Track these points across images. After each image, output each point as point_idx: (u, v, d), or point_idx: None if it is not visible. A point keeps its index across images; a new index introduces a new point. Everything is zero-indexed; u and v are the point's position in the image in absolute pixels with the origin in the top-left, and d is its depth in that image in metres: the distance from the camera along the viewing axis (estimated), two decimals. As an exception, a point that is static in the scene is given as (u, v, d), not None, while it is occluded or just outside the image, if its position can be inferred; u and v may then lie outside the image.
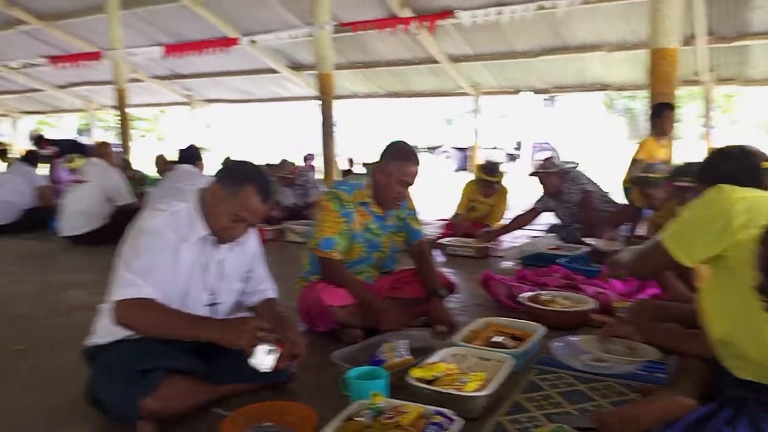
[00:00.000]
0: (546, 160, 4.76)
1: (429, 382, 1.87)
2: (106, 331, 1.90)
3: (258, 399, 1.92)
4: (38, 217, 6.08)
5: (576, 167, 4.73)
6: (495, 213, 5.16)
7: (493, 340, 2.29)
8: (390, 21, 7.45)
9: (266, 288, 2.17)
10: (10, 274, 4.14)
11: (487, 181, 5.06)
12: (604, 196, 4.62)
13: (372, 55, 10.47)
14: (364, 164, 6.74)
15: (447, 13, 7.63)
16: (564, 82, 10.48)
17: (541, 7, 7.06)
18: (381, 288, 2.70)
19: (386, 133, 15.49)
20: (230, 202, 1.87)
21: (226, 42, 8.01)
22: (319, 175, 7.66)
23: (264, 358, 1.70)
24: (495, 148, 16.07)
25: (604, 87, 10.33)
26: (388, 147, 2.62)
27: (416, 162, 2.59)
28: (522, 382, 2.08)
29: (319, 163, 9.87)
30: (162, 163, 6.84)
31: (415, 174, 2.59)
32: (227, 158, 7.52)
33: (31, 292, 3.67)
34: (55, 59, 9.67)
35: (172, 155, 7.74)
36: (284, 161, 6.42)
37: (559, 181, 4.54)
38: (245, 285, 2.14)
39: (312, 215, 6.14)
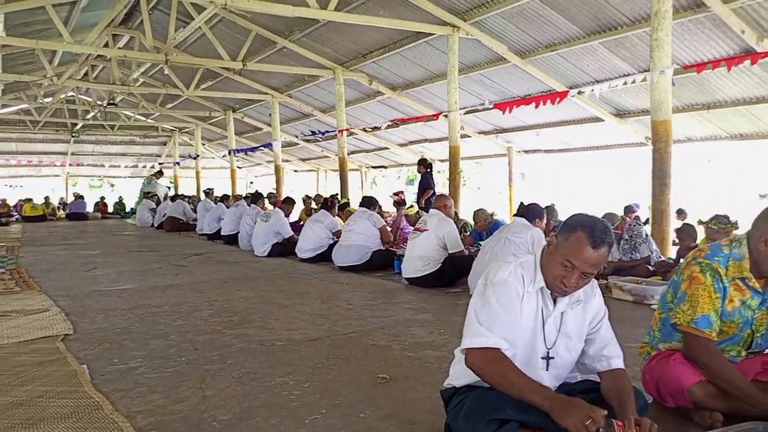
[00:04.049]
0: None
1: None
2: (459, 374, 2.07)
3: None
4: (385, 258, 7.05)
5: None
6: None
7: None
8: (745, 57, 6.56)
9: (612, 355, 2.08)
10: (368, 308, 4.87)
11: None
12: None
13: (714, 95, 9.36)
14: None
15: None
16: None
17: None
18: (749, 369, 2.33)
19: (729, 179, 13.52)
20: (561, 248, 1.92)
21: (555, 96, 8.17)
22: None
23: None
24: None
25: None
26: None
27: None
28: None
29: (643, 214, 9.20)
30: (482, 219, 7.25)
31: None
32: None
33: (383, 325, 4.24)
34: (402, 120, 11.35)
35: (492, 209, 8.23)
36: (611, 215, 6.15)
37: None
38: (589, 347, 2.10)
39: (636, 272, 5.77)
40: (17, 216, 18.83)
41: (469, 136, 14.26)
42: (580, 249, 1.87)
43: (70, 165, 25.26)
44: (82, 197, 21.32)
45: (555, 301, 2.02)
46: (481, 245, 6.44)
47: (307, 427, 2.40)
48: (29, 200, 19.75)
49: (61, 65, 14.01)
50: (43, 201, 20.29)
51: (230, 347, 3.63)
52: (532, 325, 2.00)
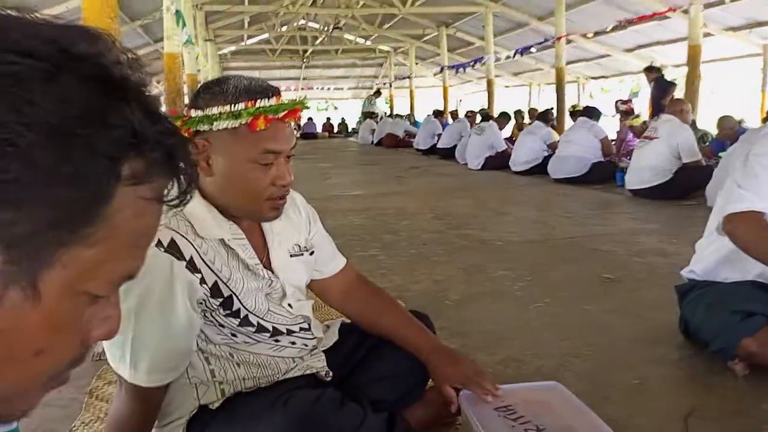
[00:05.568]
0: None
1: None
2: (702, 259, 1.99)
3: None
4: (605, 170, 6.70)
5: None
6: None
7: None
8: None
9: None
10: (587, 216, 4.79)
11: None
12: None
13: None
14: None
15: None
16: None
17: None
18: None
19: None
20: None
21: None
22: None
23: None
24: None
25: None
26: None
27: None
28: None
29: None
30: (728, 126, 6.43)
31: None
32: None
33: (605, 232, 4.16)
34: (630, 21, 10.29)
35: (737, 114, 7.16)
36: None
37: None
38: None
39: None
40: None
41: (713, 35, 12.32)
42: None
43: (302, 89, 27.97)
44: (311, 119, 23.66)
45: None
46: (722, 157, 5.76)
47: (531, 312, 2.55)
48: (270, 122, 22.52)
49: (293, -6, 15.35)
50: (282, 122, 22.97)
51: (453, 244, 3.91)
52: None
